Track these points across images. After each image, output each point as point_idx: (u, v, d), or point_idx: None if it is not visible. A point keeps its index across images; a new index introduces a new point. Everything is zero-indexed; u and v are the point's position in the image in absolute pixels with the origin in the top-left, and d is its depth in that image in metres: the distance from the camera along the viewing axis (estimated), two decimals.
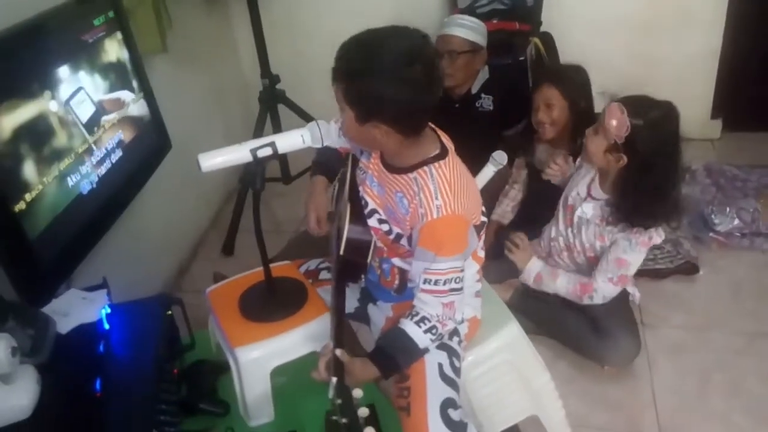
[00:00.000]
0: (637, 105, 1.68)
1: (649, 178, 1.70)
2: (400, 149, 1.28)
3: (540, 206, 2.18)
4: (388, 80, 1.16)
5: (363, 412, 1.08)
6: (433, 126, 1.33)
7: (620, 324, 1.94)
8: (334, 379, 1.15)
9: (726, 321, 2.14)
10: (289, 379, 1.54)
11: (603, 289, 1.87)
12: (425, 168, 1.27)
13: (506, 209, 2.36)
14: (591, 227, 1.88)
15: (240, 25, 3.02)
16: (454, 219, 1.24)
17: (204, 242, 2.77)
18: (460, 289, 1.29)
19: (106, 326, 1.47)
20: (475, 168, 2.03)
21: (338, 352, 1.20)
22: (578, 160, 2.01)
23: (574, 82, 2.13)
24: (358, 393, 1.11)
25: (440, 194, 1.24)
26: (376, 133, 1.23)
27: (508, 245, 2.04)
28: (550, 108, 2.12)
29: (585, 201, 1.90)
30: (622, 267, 1.83)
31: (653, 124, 1.67)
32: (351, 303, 1.58)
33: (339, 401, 1.10)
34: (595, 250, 1.89)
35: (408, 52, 1.17)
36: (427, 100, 1.23)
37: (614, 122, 1.67)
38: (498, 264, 2.12)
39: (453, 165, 1.29)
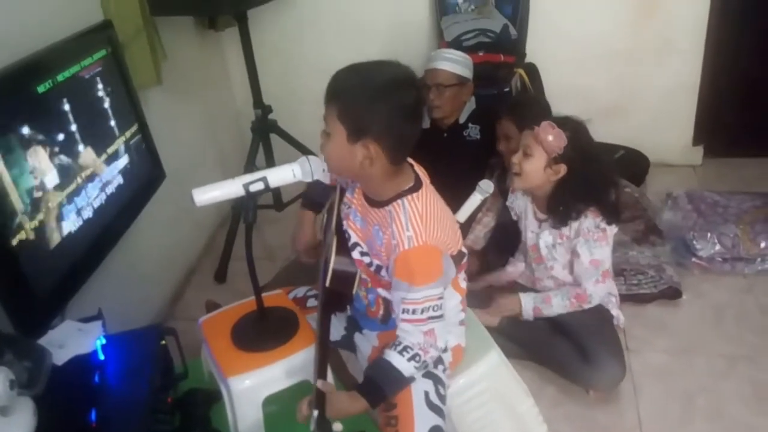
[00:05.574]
0: (554, 119, 1.87)
1: (585, 179, 1.87)
2: (380, 180, 1.31)
3: (515, 232, 2.22)
4: (381, 98, 1.23)
5: None
6: (410, 160, 1.37)
7: (606, 349, 1.97)
8: (315, 412, 1.16)
9: (709, 345, 2.17)
10: (281, 408, 1.56)
11: (595, 292, 1.99)
12: (398, 201, 1.31)
13: (479, 235, 2.38)
14: (560, 248, 1.99)
15: (232, 56, 3.08)
16: (425, 249, 1.27)
17: (197, 269, 2.79)
18: (440, 316, 1.31)
19: (102, 357, 1.49)
20: (463, 195, 2.09)
21: (320, 383, 1.22)
22: (510, 198, 2.13)
23: (530, 114, 2.15)
24: (337, 427, 1.12)
25: (411, 225, 1.27)
26: (364, 156, 1.25)
27: (495, 306, 2.12)
28: (509, 140, 2.22)
29: (541, 231, 2.01)
30: (598, 266, 1.95)
31: (575, 131, 1.87)
32: (338, 331, 1.61)
33: None
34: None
35: (399, 78, 1.25)
36: (414, 128, 1.28)
37: (551, 137, 1.83)
38: (482, 290, 2.17)
39: (426, 197, 1.32)
